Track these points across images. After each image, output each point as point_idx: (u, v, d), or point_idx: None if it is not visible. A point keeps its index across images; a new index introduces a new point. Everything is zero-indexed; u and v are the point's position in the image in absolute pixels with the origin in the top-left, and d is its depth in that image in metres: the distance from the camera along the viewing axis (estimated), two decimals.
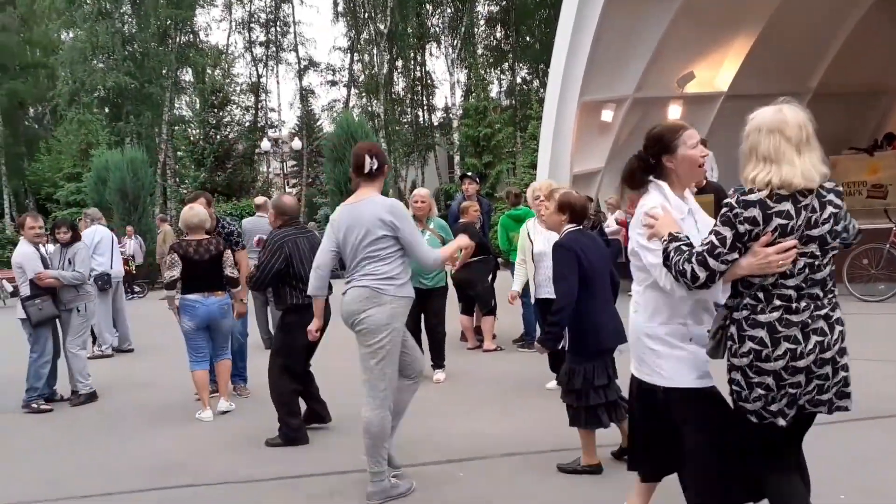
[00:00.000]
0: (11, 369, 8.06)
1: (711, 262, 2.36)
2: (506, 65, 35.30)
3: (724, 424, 2.60)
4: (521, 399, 5.63)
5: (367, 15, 33.75)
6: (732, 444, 2.56)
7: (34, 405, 6.28)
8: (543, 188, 5.54)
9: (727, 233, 2.35)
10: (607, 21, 11.62)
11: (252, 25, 36.27)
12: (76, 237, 6.81)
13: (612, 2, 11.46)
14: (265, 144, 25.84)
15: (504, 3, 34.04)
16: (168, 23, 30.39)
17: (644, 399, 2.88)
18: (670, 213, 2.64)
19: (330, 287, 4.25)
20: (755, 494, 2.59)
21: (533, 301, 6.10)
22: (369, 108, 34.23)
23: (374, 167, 3.80)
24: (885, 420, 4.59)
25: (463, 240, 4.11)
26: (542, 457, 4.25)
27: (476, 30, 33.28)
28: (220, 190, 25.43)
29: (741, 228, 2.32)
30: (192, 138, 28.64)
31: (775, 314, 2.33)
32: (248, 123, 34.42)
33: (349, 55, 36.19)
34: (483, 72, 30.89)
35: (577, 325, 3.84)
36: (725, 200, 2.38)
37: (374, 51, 33.74)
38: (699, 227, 2.75)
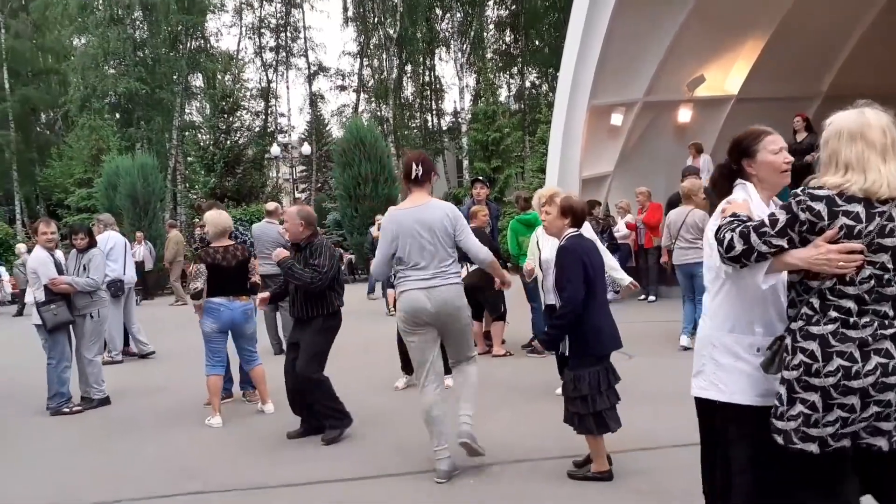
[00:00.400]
0: (9, 374, 8.11)
1: (753, 237, 2.23)
2: (515, 69, 35.28)
3: (778, 454, 2.38)
4: (530, 405, 5.60)
5: (376, 20, 33.88)
6: (783, 478, 2.36)
7: (65, 409, 6.32)
8: (548, 195, 5.47)
9: (781, 216, 2.21)
10: (617, 25, 11.60)
11: (262, 31, 36.50)
12: (92, 243, 6.84)
13: (623, 5, 11.43)
14: (275, 149, 25.94)
15: (513, 7, 34.05)
16: (179, 28, 30.59)
17: (701, 419, 2.74)
18: (749, 205, 2.51)
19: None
20: None
21: (543, 307, 6.06)
22: (378, 113, 34.33)
23: (420, 174, 4.20)
24: None
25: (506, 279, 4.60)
26: (553, 463, 4.22)
27: (485, 34, 33.29)
28: (230, 195, 25.53)
29: (801, 216, 2.17)
30: (202, 143, 28.78)
31: (830, 326, 2.17)
32: (257, 128, 34.56)
33: (359, 60, 36.35)
34: (492, 76, 30.88)
35: (579, 328, 3.86)
36: (792, 192, 2.25)
37: (384, 55, 33.85)
38: None
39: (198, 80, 33.75)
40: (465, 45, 32.33)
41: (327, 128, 37.51)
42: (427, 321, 4.12)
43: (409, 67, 34.64)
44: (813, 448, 2.19)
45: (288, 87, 45.46)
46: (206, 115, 30.19)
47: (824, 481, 2.27)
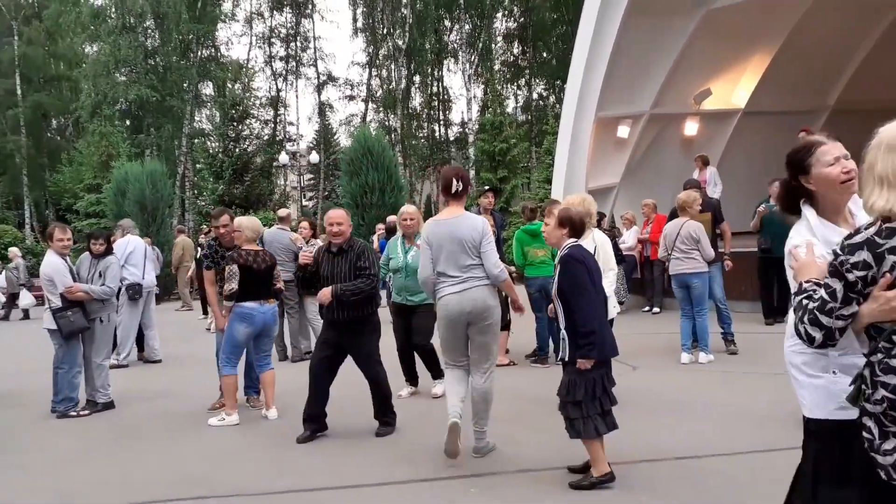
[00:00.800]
0: (14, 378, 8.16)
1: (824, 319, 2.09)
2: (522, 80, 35.43)
3: (846, 475, 2.25)
4: (534, 415, 5.59)
5: (385, 31, 34.10)
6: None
7: (72, 413, 6.36)
8: (576, 202, 5.36)
9: (836, 285, 2.07)
10: (625, 37, 11.66)
11: (272, 40, 36.75)
12: (109, 250, 6.89)
13: (630, 18, 11.50)
14: (283, 158, 26.09)
15: (522, 19, 34.23)
16: (190, 37, 30.87)
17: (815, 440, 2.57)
18: (813, 250, 2.33)
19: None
20: None
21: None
22: (386, 123, 34.47)
23: (460, 188, 4.58)
24: None
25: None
26: (555, 473, 4.21)
27: (493, 46, 33.45)
28: (238, 202, 25.64)
29: (850, 277, 2.03)
30: (211, 151, 28.91)
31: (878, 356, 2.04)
32: (266, 137, 34.75)
33: (367, 70, 36.58)
34: (500, 87, 30.98)
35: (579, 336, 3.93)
36: (833, 248, 2.13)
37: (392, 66, 34.03)
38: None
39: (208, 89, 34.04)
40: (473, 57, 32.49)
41: (335, 137, 37.69)
42: (463, 321, 4.51)
43: (417, 78, 34.83)
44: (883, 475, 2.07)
45: (297, 97, 45.53)
46: (216, 123, 30.33)
47: None
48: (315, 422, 5.22)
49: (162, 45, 30.58)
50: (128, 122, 30.94)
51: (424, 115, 35.97)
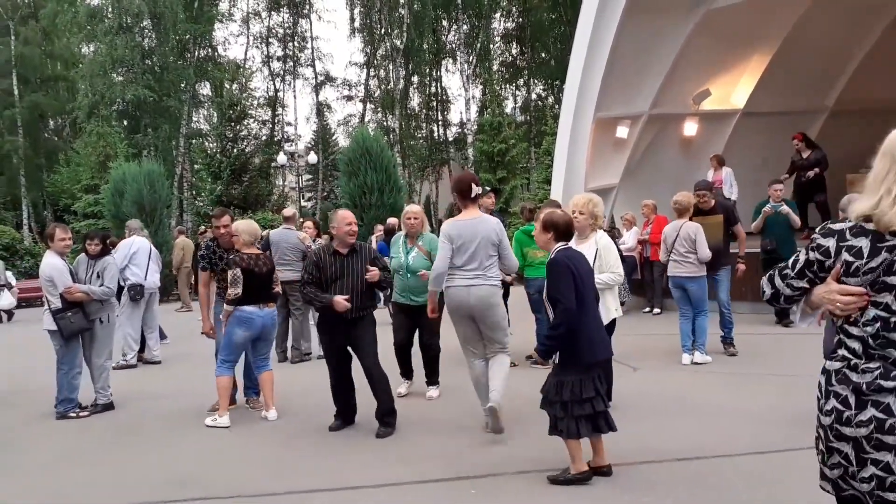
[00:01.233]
0: (15, 378, 8.14)
1: (777, 280, 2.20)
2: (521, 81, 35.44)
3: None
4: (533, 416, 5.54)
5: (383, 31, 34.05)
6: None
7: (71, 414, 6.34)
8: (580, 203, 5.34)
9: (801, 257, 2.14)
10: (623, 38, 11.65)
11: (270, 40, 36.74)
12: (106, 250, 6.86)
13: (629, 18, 11.49)
14: (281, 158, 26.01)
15: (520, 19, 34.24)
16: (187, 37, 30.83)
17: None
18: None
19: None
20: None
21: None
22: (384, 123, 34.46)
23: (479, 192, 5.07)
24: None
25: None
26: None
27: (492, 46, 33.45)
28: (236, 203, 25.62)
29: (811, 256, 2.09)
30: (209, 151, 28.91)
31: (836, 364, 2.05)
32: (264, 137, 34.73)
33: (365, 70, 36.56)
34: (498, 88, 31.03)
35: (572, 339, 3.92)
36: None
37: (390, 66, 34.00)
38: None
39: (205, 89, 33.99)
40: (471, 57, 32.49)
41: (334, 137, 37.69)
42: (467, 314, 4.93)
43: (415, 78, 34.80)
44: (828, 488, 2.11)
45: (295, 97, 45.41)
46: (214, 124, 30.34)
47: None
48: (345, 413, 5.46)
49: (159, 45, 30.52)
50: (125, 123, 30.87)
51: (423, 116, 35.95)
